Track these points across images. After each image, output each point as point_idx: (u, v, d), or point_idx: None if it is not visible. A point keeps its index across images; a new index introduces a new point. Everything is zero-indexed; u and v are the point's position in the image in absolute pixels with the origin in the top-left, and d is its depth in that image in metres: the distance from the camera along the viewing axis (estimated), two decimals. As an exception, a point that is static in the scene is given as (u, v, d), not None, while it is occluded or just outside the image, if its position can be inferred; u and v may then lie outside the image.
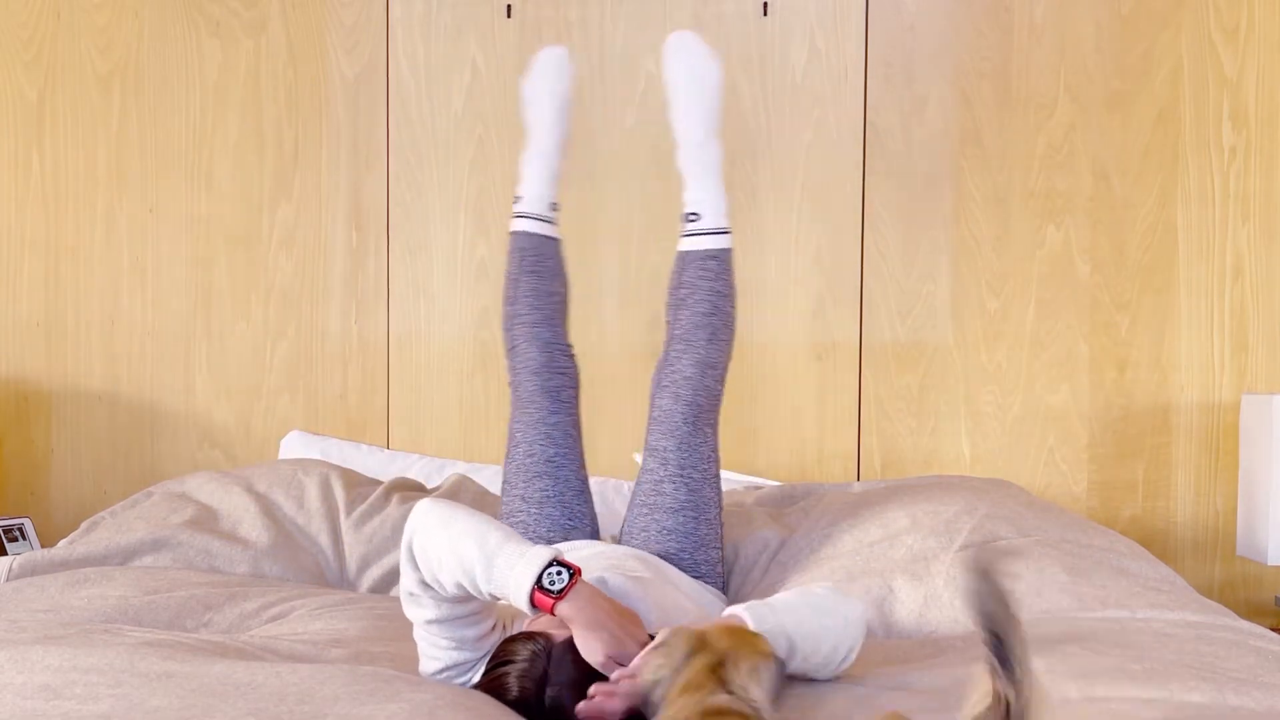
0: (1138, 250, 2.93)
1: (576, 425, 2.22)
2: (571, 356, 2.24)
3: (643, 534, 2.10)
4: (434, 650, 1.60)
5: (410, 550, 1.55)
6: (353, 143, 3.12)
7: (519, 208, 2.29)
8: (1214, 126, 2.90)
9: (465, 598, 1.55)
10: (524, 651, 1.46)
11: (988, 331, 2.95)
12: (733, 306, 2.19)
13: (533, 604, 1.46)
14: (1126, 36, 2.92)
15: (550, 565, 1.47)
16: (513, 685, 1.45)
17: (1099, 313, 2.93)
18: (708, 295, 2.16)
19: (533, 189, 2.29)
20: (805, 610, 1.59)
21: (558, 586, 1.46)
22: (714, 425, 2.16)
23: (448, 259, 3.09)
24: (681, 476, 2.11)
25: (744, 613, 1.56)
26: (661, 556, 2.08)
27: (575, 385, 2.24)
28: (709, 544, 2.12)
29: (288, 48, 3.13)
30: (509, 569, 1.47)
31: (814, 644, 1.57)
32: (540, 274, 2.25)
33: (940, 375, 2.96)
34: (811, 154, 2.99)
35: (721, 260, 2.18)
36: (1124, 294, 2.92)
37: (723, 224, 2.20)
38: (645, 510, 2.12)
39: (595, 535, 2.19)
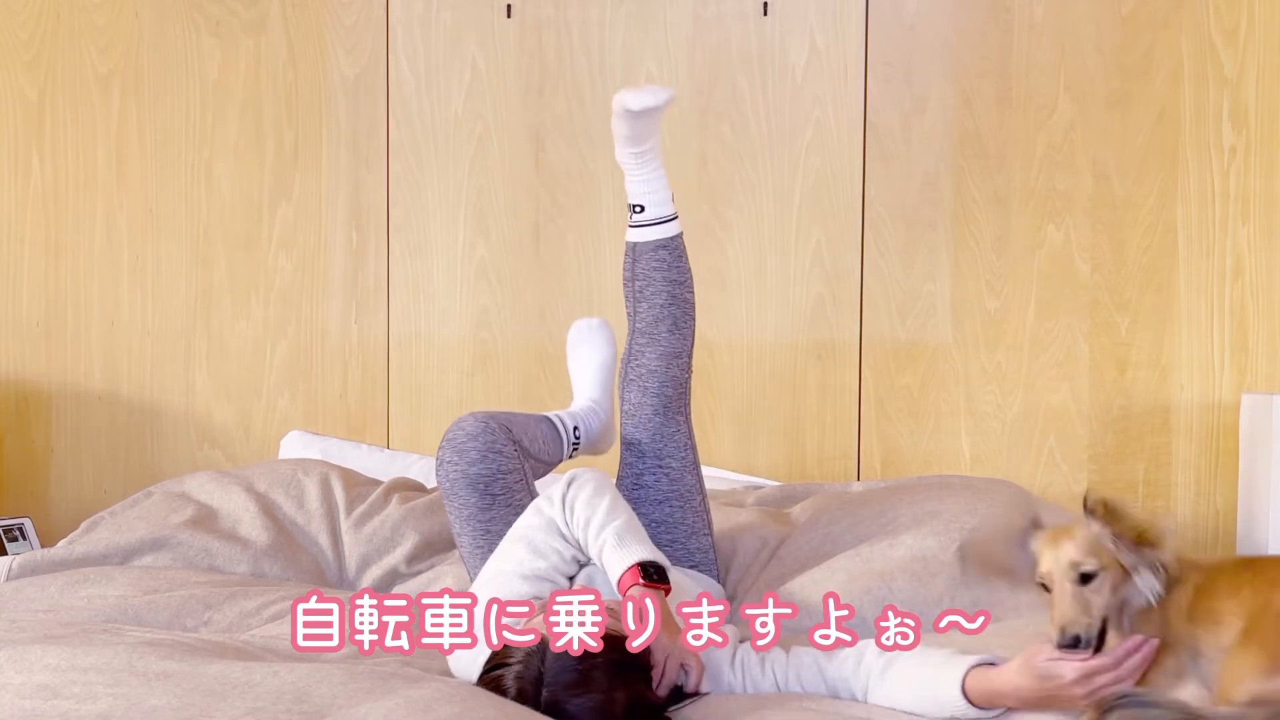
0: (1138, 250, 2.92)
1: (521, 510, 2.00)
2: (515, 444, 2.03)
3: None
4: (531, 548, 1.82)
5: (567, 486, 1.82)
6: (353, 143, 3.12)
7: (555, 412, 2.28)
8: (1214, 126, 2.90)
9: (575, 546, 1.81)
10: (519, 653, 1.47)
11: (988, 331, 2.95)
12: (690, 292, 2.17)
13: (634, 580, 1.67)
14: (1126, 36, 2.92)
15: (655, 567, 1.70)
16: (510, 685, 1.46)
17: (1099, 313, 2.93)
18: (664, 285, 2.14)
19: (565, 413, 2.27)
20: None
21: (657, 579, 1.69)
22: (685, 414, 2.16)
23: (448, 259, 3.09)
24: (660, 467, 2.12)
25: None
26: None
27: (515, 472, 2.02)
28: (698, 532, 2.14)
29: (288, 48, 3.13)
30: (628, 548, 1.72)
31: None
32: (531, 416, 2.20)
33: (940, 375, 2.96)
34: (811, 154, 2.99)
35: (672, 249, 2.16)
36: (1124, 294, 2.92)
37: (668, 212, 2.17)
38: (632, 505, 2.07)
39: None
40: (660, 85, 2.19)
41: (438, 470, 2.00)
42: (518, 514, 1.93)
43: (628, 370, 2.16)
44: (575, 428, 2.23)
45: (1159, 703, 1.42)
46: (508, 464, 1.97)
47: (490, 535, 1.96)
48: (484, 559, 1.96)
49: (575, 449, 2.23)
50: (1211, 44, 2.89)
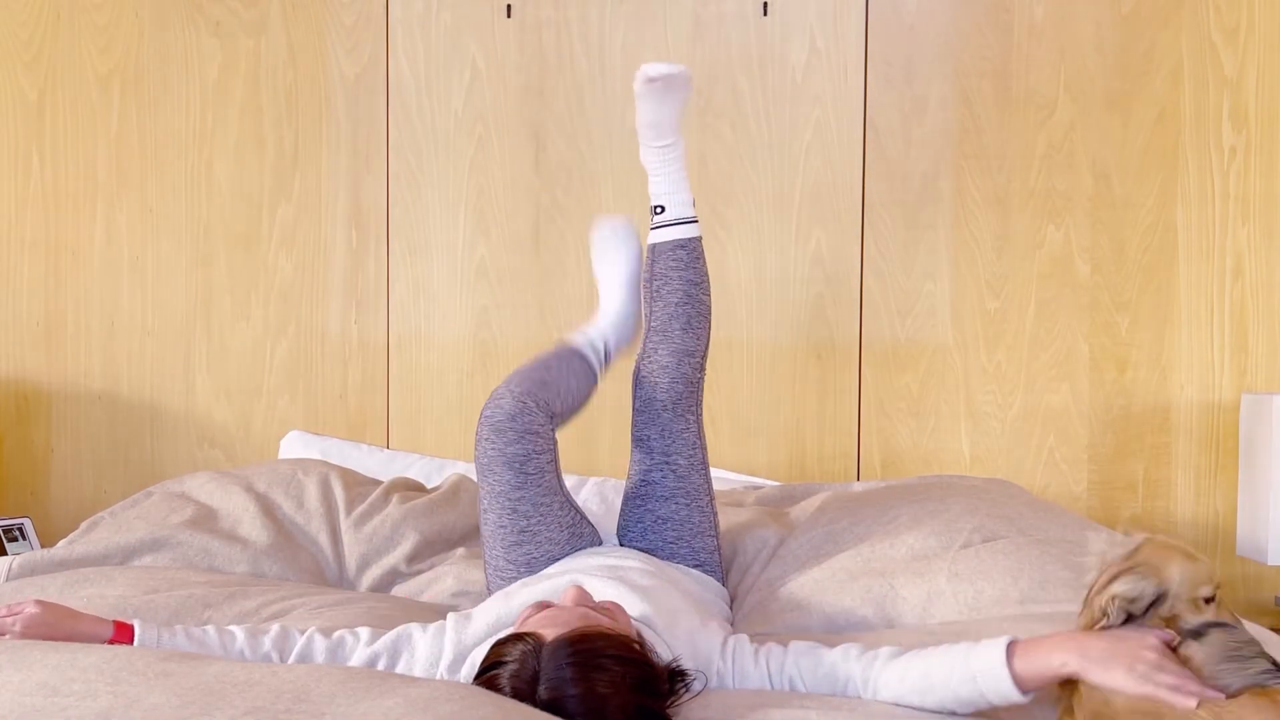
0: (1138, 250, 2.93)
1: (550, 490, 2.05)
2: (550, 418, 2.05)
3: (638, 525, 2.12)
4: None
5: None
6: (353, 143, 3.12)
7: (584, 330, 2.25)
8: (1214, 126, 2.90)
9: None
10: (514, 652, 1.47)
11: (988, 331, 2.95)
12: (706, 294, 2.19)
13: None
14: (1126, 36, 2.92)
15: None
16: (506, 686, 1.45)
17: (1099, 313, 2.93)
18: (680, 284, 2.16)
19: (594, 330, 2.24)
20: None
21: None
22: (696, 413, 2.18)
23: (448, 259, 3.09)
24: (668, 464, 2.13)
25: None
26: (659, 546, 2.11)
27: (547, 452, 2.04)
28: (704, 532, 2.14)
29: (288, 48, 3.13)
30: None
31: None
32: (564, 357, 2.16)
33: (940, 375, 2.96)
34: (811, 154, 2.99)
35: (690, 249, 2.18)
36: (1124, 294, 2.92)
37: (688, 214, 2.19)
38: (638, 501, 2.15)
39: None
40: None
41: (476, 448, 2.05)
42: (546, 493, 2.02)
43: (640, 367, 2.18)
44: (606, 344, 2.23)
45: (1239, 626, 1.50)
46: (542, 444, 2.02)
47: (516, 515, 2.02)
48: (506, 538, 2.02)
49: (607, 365, 2.24)
50: (1211, 44, 2.89)
